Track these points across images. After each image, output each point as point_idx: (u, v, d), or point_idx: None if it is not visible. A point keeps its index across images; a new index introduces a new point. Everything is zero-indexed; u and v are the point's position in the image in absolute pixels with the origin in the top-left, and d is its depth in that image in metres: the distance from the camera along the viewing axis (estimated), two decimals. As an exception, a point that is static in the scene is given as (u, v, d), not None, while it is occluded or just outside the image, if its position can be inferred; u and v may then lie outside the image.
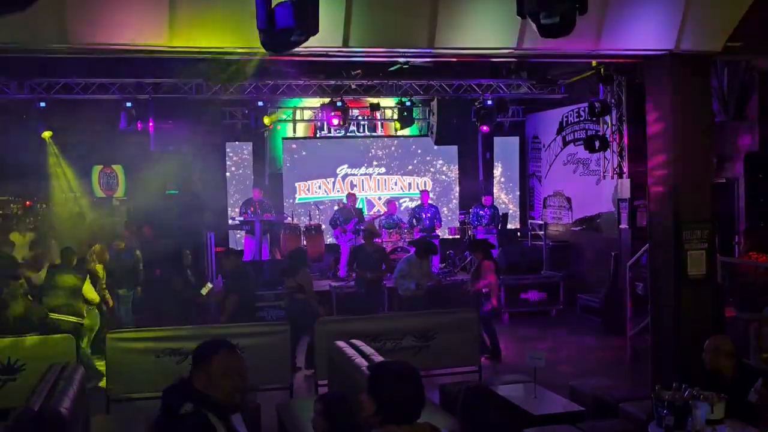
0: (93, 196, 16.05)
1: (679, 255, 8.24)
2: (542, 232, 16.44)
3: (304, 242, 15.62)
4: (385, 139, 17.75)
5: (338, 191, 17.23)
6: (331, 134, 17.23)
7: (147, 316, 11.92)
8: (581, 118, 15.94)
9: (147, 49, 6.76)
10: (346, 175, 17.46)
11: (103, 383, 8.99)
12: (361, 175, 17.54)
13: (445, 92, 15.63)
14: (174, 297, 12.34)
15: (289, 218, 16.30)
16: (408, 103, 15.55)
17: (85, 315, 10.00)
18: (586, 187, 15.84)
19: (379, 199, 17.38)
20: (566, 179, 16.73)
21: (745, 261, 10.99)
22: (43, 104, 13.72)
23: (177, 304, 12.10)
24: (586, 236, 15.73)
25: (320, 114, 16.59)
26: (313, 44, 5.75)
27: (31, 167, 14.54)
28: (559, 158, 16.96)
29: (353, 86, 15.12)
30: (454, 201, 18.04)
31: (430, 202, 16.20)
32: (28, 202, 16.30)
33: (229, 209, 16.58)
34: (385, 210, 16.21)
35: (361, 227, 14.64)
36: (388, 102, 16.55)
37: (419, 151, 17.90)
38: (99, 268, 11.33)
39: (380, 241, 15.20)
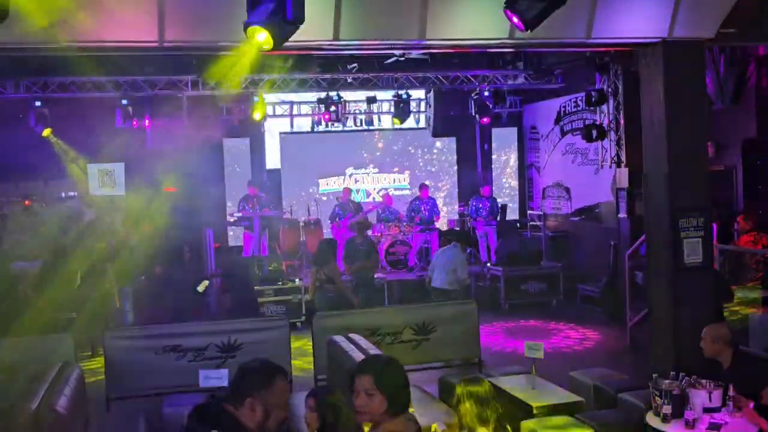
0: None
1: (675, 243, 8.23)
2: (541, 223, 16.43)
3: (303, 237, 15.62)
4: (382, 132, 17.74)
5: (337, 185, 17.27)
6: (329, 128, 17.22)
7: (147, 313, 11.92)
8: (579, 108, 15.91)
9: (137, 46, 6.76)
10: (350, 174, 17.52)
11: None
12: (358, 168, 17.54)
13: (442, 84, 15.59)
14: (174, 294, 12.33)
15: (288, 213, 16.30)
16: (405, 96, 15.52)
17: None
18: (585, 176, 15.82)
19: (378, 191, 17.38)
20: (565, 169, 16.71)
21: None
22: (39, 103, 13.73)
23: (177, 301, 12.10)
24: (585, 226, 15.71)
25: (317, 108, 16.58)
26: (304, 38, 5.76)
27: (29, 167, 14.55)
28: (557, 148, 16.94)
29: (349, 80, 15.09)
30: (452, 193, 18.03)
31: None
32: (27, 202, 16.31)
33: (228, 205, 16.58)
34: (381, 202, 16.21)
35: (355, 220, 14.66)
36: (384, 95, 16.53)
37: (416, 143, 17.89)
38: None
39: (380, 234, 15.24)
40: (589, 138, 14.13)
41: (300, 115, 17.21)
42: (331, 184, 17.37)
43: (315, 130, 17.29)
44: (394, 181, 17.76)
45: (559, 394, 7.40)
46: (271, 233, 15.73)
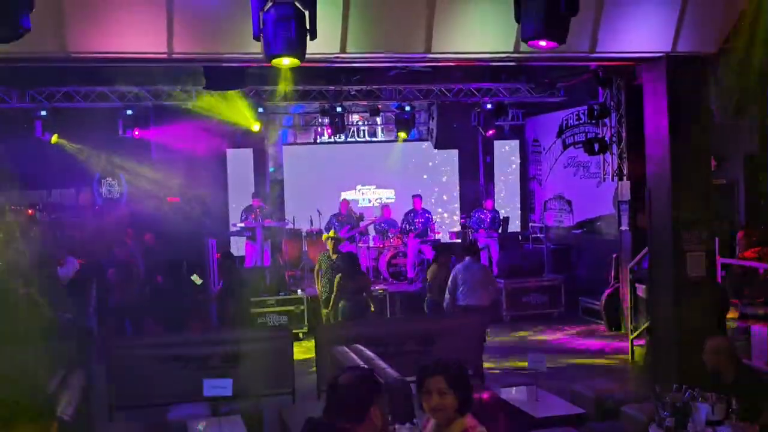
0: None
1: (678, 256, 8.26)
2: (543, 235, 16.45)
3: (306, 248, 15.65)
4: (385, 144, 17.79)
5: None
6: (332, 140, 17.26)
7: (147, 322, 11.98)
8: (581, 121, 15.96)
9: (146, 57, 6.81)
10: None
11: None
12: (360, 182, 17.60)
13: (445, 96, 15.64)
14: (174, 303, 12.36)
15: (290, 224, 16.33)
16: (408, 108, 15.58)
17: None
18: (587, 189, 15.86)
19: (378, 200, 17.43)
20: (567, 182, 16.75)
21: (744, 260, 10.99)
22: (44, 113, 13.78)
23: (177, 311, 12.13)
24: (587, 239, 15.74)
25: (320, 120, 16.65)
26: (312, 50, 5.80)
27: (33, 176, 14.60)
28: (559, 161, 16.99)
29: (353, 92, 15.15)
30: (454, 205, 18.07)
31: (425, 207, 16.24)
32: (30, 211, 16.34)
33: (230, 215, 16.61)
34: (380, 215, 16.25)
35: (355, 233, 14.73)
36: (387, 107, 16.58)
37: (419, 155, 17.94)
38: None
39: (381, 245, 15.30)
40: (591, 151, 14.15)
41: (303, 126, 17.25)
42: (330, 196, 17.39)
43: (318, 141, 17.34)
44: (397, 193, 17.79)
45: (561, 406, 7.41)
46: (273, 243, 15.76)
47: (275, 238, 15.84)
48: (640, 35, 7.84)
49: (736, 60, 8.31)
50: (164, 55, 6.66)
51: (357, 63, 8.67)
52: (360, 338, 8.60)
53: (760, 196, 12.58)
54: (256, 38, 5.33)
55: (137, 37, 6.49)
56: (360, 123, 17.38)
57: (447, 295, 10.46)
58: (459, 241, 16.96)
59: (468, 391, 3.76)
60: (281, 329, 9.81)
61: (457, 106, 16.30)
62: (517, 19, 5.32)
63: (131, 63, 7.72)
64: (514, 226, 17.96)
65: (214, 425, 6.87)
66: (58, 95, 13.71)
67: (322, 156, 17.46)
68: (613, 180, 14.34)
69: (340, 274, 10.89)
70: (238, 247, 16.23)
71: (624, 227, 13.53)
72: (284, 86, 13.33)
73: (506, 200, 18.37)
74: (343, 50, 6.98)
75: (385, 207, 16.34)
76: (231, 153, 16.82)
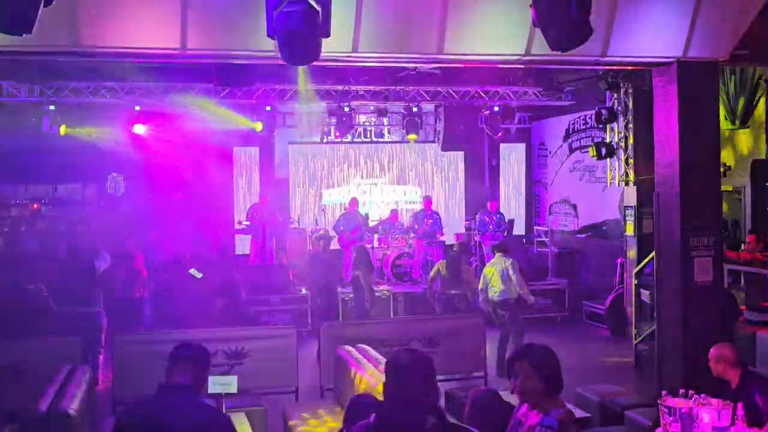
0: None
1: (685, 262, 8.25)
2: (548, 239, 16.44)
3: (310, 247, 15.65)
4: (392, 144, 17.79)
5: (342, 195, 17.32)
6: (338, 139, 17.27)
7: (149, 319, 12.03)
8: (588, 125, 15.95)
9: (159, 53, 6.81)
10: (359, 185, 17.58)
11: None
12: (367, 182, 17.60)
13: (453, 98, 15.62)
14: (178, 299, 12.38)
15: (295, 222, 16.34)
16: (415, 110, 15.57)
17: None
18: (593, 194, 15.85)
19: (386, 204, 17.42)
20: (572, 186, 16.74)
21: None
22: (52, 107, 13.80)
23: (181, 309, 12.14)
24: (591, 243, 15.73)
25: (326, 119, 16.63)
26: (324, 49, 5.80)
27: (39, 171, 14.62)
28: (565, 165, 16.98)
29: (360, 92, 15.14)
30: (460, 207, 18.07)
31: (433, 208, 16.24)
32: (35, 205, 16.38)
33: (236, 213, 16.63)
34: (387, 217, 16.26)
35: (366, 232, 14.73)
36: (394, 108, 16.57)
37: (425, 157, 17.94)
38: None
39: (386, 246, 15.30)
40: (597, 155, 14.12)
41: (310, 125, 17.23)
42: (336, 196, 17.40)
43: (324, 140, 17.34)
44: (405, 193, 17.80)
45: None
46: (277, 241, 15.77)
47: (280, 236, 15.85)
48: (652, 40, 7.83)
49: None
50: (177, 51, 6.66)
51: (368, 63, 8.66)
52: (364, 338, 8.61)
53: (766, 203, 12.57)
54: (270, 36, 5.32)
55: (150, 32, 6.49)
56: (367, 123, 17.37)
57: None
58: (461, 242, 16.97)
59: (554, 372, 3.99)
60: (287, 328, 9.81)
61: (464, 109, 16.29)
62: (538, 25, 5.29)
63: (144, 58, 7.71)
64: (520, 229, 17.95)
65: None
66: (65, 90, 13.71)
67: (328, 155, 17.47)
68: (619, 185, 14.32)
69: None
70: (243, 245, 16.26)
71: (629, 232, 13.52)
72: (302, 85, 13.45)
73: (511, 203, 18.36)
74: (354, 50, 6.98)
75: (393, 212, 16.38)
76: (237, 151, 16.84)
